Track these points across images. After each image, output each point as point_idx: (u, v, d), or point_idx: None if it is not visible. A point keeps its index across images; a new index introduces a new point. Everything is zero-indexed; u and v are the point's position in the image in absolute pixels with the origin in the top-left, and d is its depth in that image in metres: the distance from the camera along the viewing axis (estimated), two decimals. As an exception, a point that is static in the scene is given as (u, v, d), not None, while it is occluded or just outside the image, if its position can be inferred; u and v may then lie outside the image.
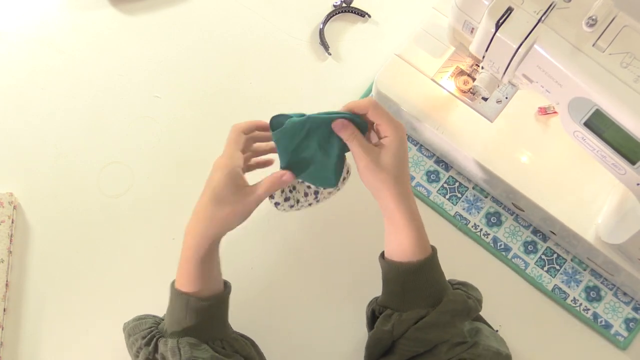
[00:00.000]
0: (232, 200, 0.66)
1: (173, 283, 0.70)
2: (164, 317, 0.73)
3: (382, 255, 0.72)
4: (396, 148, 0.66)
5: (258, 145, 0.73)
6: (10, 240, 0.85)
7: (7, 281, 0.83)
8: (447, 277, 0.70)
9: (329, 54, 0.95)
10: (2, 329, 0.82)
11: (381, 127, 0.67)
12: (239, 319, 0.76)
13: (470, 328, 0.68)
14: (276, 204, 0.71)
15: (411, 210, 0.67)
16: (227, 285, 0.73)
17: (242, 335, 0.74)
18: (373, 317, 0.72)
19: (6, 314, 0.83)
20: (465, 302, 0.68)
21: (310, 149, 0.68)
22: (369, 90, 0.93)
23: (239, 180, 0.66)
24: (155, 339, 0.68)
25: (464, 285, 0.72)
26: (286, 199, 0.71)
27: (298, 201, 0.71)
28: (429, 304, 0.67)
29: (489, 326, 0.74)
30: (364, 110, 0.67)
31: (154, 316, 0.73)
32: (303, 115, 0.68)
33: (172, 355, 0.65)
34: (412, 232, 0.67)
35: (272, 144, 0.71)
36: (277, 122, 0.67)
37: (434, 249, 0.69)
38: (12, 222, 0.86)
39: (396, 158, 0.66)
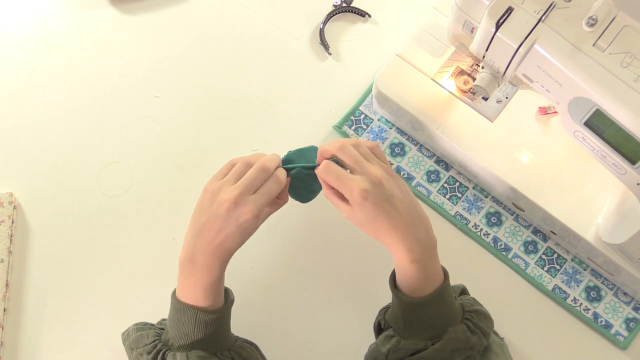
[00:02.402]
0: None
1: (174, 295, 0.69)
2: (160, 323, 0.73)
3: (393, 273, 0.69)
4: (359, 213, 0.64)
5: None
6: (10, 240, 0.85)
7: (7, 281, 0.83)
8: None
9: (329, 54, 0.95)
10: (2, 329, 0.82)
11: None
12: (239, 319, 0.76)
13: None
14: None
15: (413, 251, 0.64)
16: (229, 294, 0.72)
17: (246, 341, 0.73)
18: (379, 329, 0.72)
19: (6, 314, 0.83)
20: (467, 340, 0.65)
21: (307, 177, 0.71)
22: (369, 90, 0.93)
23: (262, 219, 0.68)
24: (161, 353, 0.67)
25: (476, 314, 0.68)
26: None
27: None
28: (430, 337, 0.65)
29: (496, 334, 0.74)
30: (330, 155, 0.67)
31: (152, 325, 0.72)
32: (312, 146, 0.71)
33: None
34: (414, 272, 0.65)
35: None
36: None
37: (445, 278, 0.67)
38: (12, 222, 0.86)
39: (365, 218, 0.64)
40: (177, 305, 0.67)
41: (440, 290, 0.66)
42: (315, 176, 0.69)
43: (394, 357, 0.66)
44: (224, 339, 0.70)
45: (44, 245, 0.87)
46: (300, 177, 0.70)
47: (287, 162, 0.71)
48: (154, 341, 0.68)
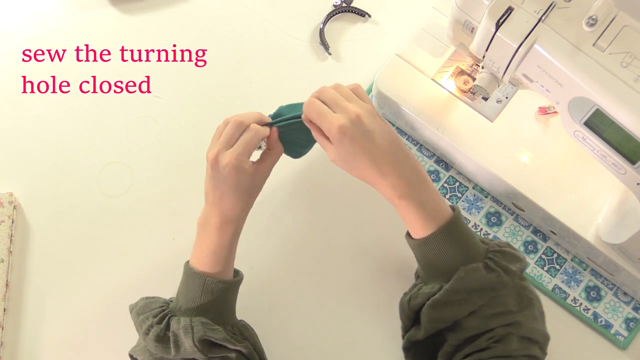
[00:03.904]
0: (254, 185, 0.71)
1: (187, 263, 0.71)
2: (172, 299, 0.74)
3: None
4: (339, 150, 0.65)
5: None
6: (10, 240, 0.85)
7: (7, 281, 0.83)
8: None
9: (329, 54, 0.95)
10: (2, 329, 0.82)
11: None
12: (238, 318, 0.76)
13: (523, 295, 0.64)
14: None
15: (397, 187, 0.64)
16: (239, 273, 0.74)
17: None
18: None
19: (6, 314, 0.83)
20: (481, 278, 0.62)
21: (296, 130, 0.73)
22: (369, 90, 0.93)
23: (250, 172, 0.69)
24: (167, 317, 0.68)
25: (501, 254, 0.64)
26: None
27: None
28: (445, 280, 0.64)
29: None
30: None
31: (161, 297, 0.74)
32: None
33: (185, 332, 0.66)
34: (406, 210, 0.65)
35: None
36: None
37: (453, 213, 0.65)
38: (12, 222, 0.86)
39: (346, 154, 0.65)
40: (188, 271, 0.70)
41: (445, 228, 0.64)
42: (303, 130, 0.70)
43: (414, 304, 0.66)
44: (229, 315, 0.72)
45: (44, 245, 0.87)
46: (288, 131, 0.72)
47: (277, 116, 0.73)
48: (161, 306, 0.70)
